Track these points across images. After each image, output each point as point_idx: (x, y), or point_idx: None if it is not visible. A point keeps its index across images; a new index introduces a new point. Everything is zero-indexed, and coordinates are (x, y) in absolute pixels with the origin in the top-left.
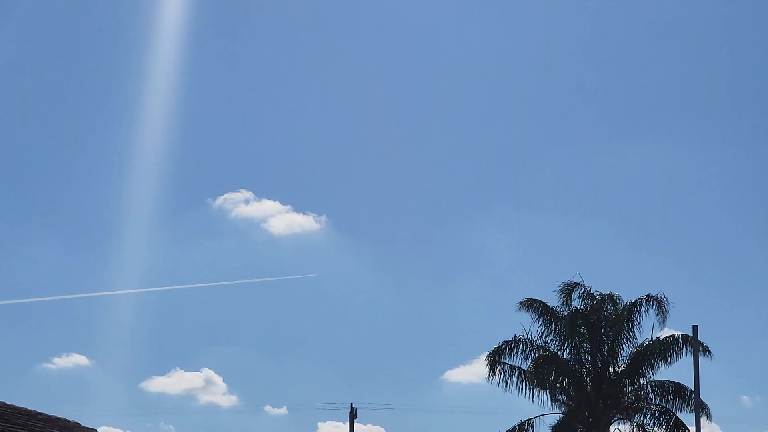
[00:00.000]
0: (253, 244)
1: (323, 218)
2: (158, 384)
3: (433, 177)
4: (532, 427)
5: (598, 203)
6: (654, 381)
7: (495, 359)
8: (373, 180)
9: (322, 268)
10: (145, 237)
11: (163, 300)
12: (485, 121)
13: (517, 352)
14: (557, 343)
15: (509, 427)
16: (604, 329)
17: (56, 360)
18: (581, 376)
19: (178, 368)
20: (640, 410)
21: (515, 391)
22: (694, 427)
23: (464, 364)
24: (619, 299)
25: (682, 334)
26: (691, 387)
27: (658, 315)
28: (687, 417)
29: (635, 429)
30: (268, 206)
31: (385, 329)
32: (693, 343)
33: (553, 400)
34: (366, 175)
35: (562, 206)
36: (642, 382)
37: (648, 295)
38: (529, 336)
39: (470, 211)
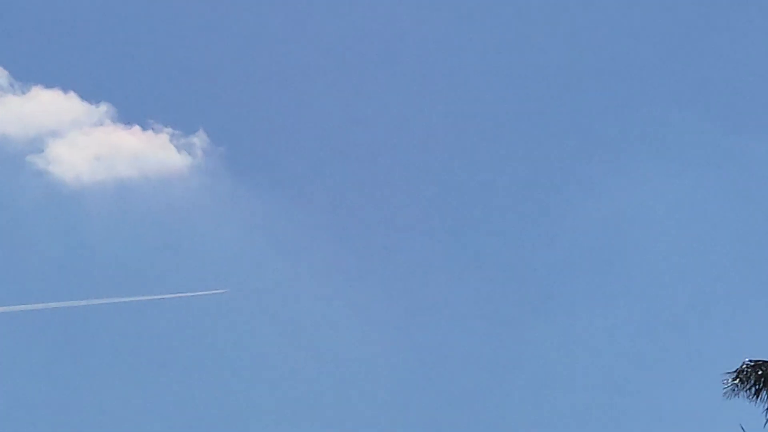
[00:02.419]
0: (18, 204)
1: (197, 139)
2: None
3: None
4: None
5: None
6: None
7: None
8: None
9: (224, 276)
10: None
11: None
12: None
13: None
14: None
15: None
16: None
17: None
18: None
19: None
20: None
21: None
22: None
23: None
24: None
25: None
26: None
27: None
28: None
29: None
30: (51, 103)
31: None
32: None
33: None
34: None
35: None
36: None
37: None
38: None
39: (592, 133)
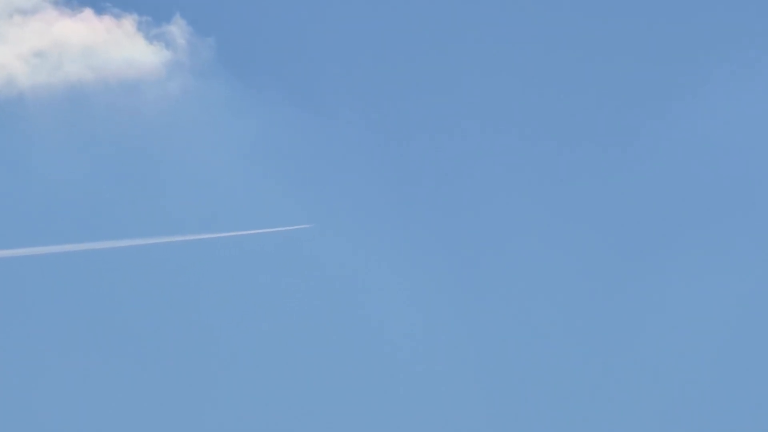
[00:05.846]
0: None
1: (175, 27)
2: None
3: None
4: None
5: None
6: None
7: None
8: None
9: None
10: None
11: None
12: None
13: None
14: None
15: None
16: None
17: None
18: None
19: None
20: None
21: None
22: None
23: None
24: None
25: None
26: None
27: None
28: None
29: None
30: None
31: None
32: None
33: None
34: None
35: None
36: None
37: None
38: None
39: None
